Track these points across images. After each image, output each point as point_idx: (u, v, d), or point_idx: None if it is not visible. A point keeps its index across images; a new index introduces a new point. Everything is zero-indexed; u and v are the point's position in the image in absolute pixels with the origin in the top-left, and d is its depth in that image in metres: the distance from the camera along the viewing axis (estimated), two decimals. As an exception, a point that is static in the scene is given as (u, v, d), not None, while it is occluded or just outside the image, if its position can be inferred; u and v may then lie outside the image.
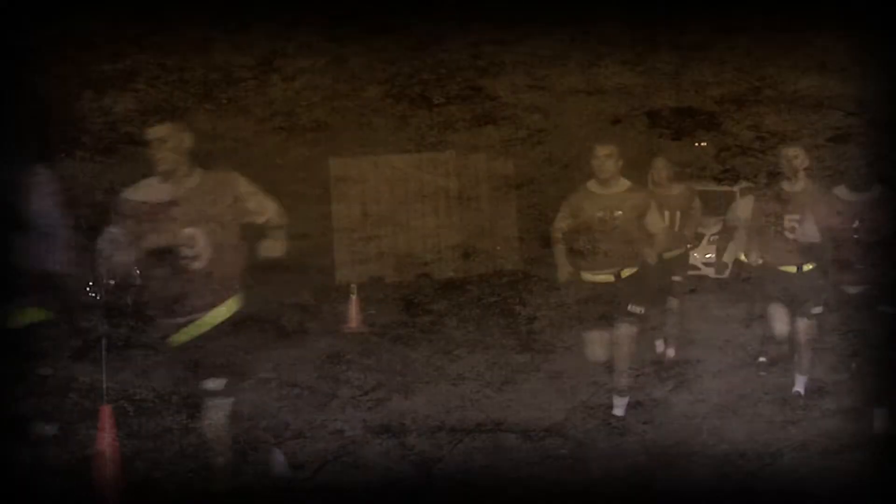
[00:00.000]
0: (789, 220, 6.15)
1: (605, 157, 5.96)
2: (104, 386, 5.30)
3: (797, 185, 6.13)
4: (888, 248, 5.68)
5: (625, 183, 6.03)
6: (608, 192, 6.00)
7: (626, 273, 5.96)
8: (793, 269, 6.10)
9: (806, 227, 6.04)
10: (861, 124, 6.68)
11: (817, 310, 6.08)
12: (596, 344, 5.98)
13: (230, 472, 4.74)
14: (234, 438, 4.75)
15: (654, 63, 7.44)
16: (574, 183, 6.28)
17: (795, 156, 6.12)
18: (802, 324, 6.07)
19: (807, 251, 6.03)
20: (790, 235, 6.11)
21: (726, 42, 6.99)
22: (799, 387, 6.09)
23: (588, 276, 6.03)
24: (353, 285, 8.71)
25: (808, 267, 6.10)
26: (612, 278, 5.97)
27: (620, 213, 5.95)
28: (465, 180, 11.41)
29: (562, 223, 6.12)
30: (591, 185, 6.06)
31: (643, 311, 5.97)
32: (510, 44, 7.27)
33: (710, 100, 7.52)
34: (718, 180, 7.78)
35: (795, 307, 6.10)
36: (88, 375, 5.71)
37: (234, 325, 4.86)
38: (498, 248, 9.98)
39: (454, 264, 10.52)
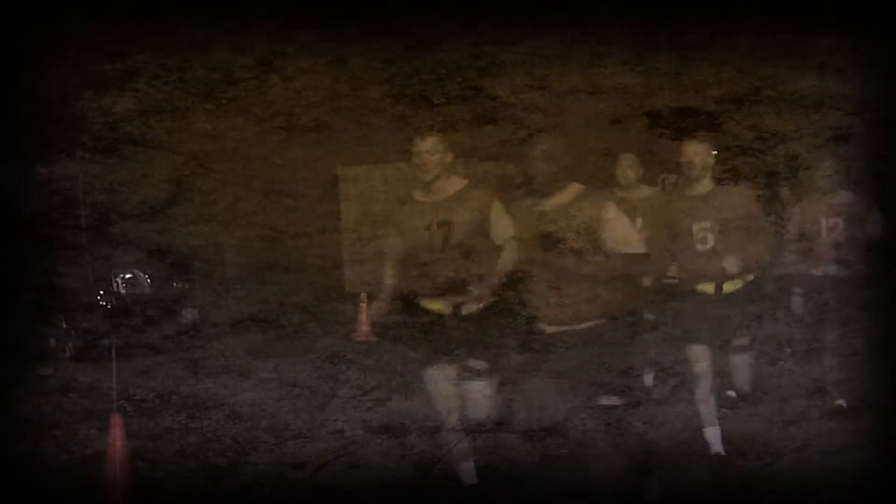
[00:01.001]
0: (699, 228, 5.15)
1: (426, 153, 4.66)
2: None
3: (703, 187, 5.27)
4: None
5: (457, 183, 4.74)
6: (434, 198, 4.69)
7: (468, 309, 4.61)
8: (710, 287, 5.10)
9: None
10: (861, 124, 6.68)
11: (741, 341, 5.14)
12: (440, 386, 4.75)
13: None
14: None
15: (654, 63, 7.45)
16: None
17: (697, 153, 5.34)
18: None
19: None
20: (700, 247, 5.14)
21: (726, 42, 6.99)
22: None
23: (425, 303, 4.77)
24: (363, 294, 8.44)
25: (730, 286, 5.11)
26: (447, 310, 4.67)
27: (453, 222, 4.61)
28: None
29: (391, 246, 4.86)
30: (417, 193, 4.76)
31: (486, 368, 4.69)
32: (510, 44, 7.28)
33: (710, 100, 7.52)
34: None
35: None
36: (88, 375, 5.72)
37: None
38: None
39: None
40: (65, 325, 6.17)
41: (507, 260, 4.65)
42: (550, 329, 4.42)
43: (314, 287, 9.34)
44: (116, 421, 4.81)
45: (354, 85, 7.66)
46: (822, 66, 6.86)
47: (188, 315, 7.83)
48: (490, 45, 7.14)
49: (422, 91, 7.62)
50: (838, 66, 6.66)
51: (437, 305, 4.73)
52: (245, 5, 6.11)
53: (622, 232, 4.34)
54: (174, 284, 7.97)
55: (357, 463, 5.07)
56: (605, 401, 4.41)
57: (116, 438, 4.78)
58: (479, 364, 4.67)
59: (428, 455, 5.14)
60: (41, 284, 4.77)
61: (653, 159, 7.28)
